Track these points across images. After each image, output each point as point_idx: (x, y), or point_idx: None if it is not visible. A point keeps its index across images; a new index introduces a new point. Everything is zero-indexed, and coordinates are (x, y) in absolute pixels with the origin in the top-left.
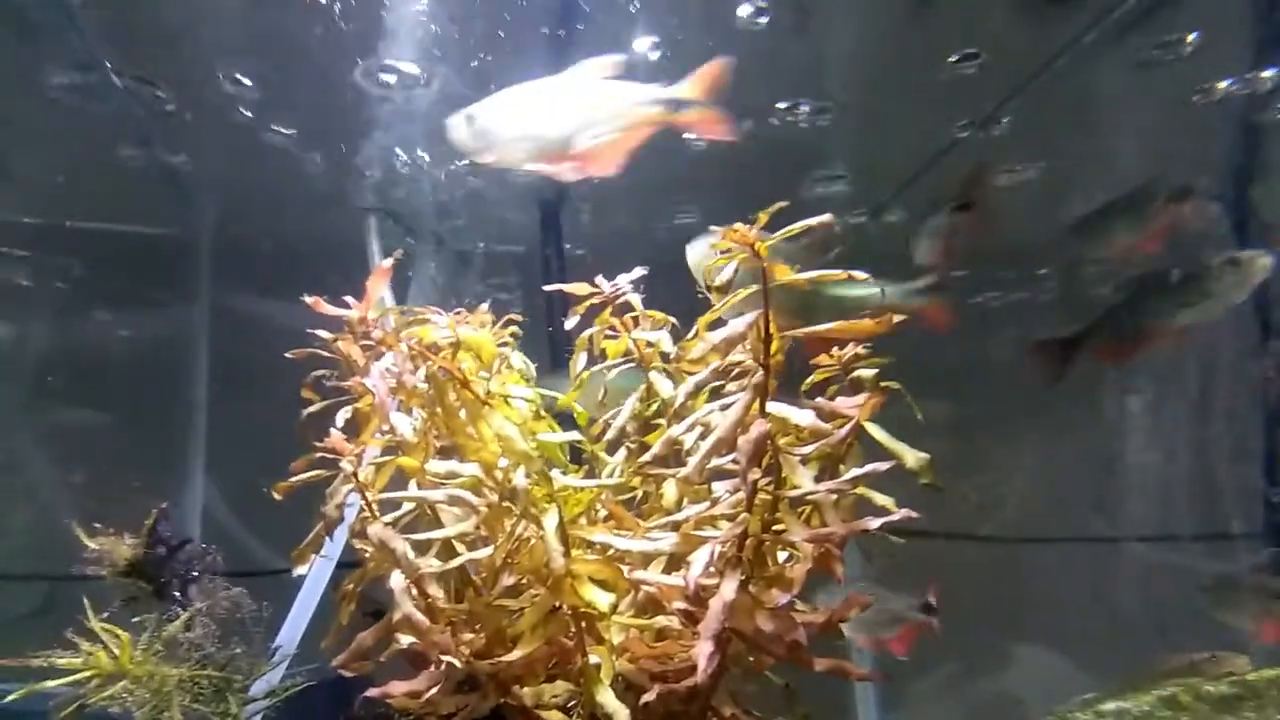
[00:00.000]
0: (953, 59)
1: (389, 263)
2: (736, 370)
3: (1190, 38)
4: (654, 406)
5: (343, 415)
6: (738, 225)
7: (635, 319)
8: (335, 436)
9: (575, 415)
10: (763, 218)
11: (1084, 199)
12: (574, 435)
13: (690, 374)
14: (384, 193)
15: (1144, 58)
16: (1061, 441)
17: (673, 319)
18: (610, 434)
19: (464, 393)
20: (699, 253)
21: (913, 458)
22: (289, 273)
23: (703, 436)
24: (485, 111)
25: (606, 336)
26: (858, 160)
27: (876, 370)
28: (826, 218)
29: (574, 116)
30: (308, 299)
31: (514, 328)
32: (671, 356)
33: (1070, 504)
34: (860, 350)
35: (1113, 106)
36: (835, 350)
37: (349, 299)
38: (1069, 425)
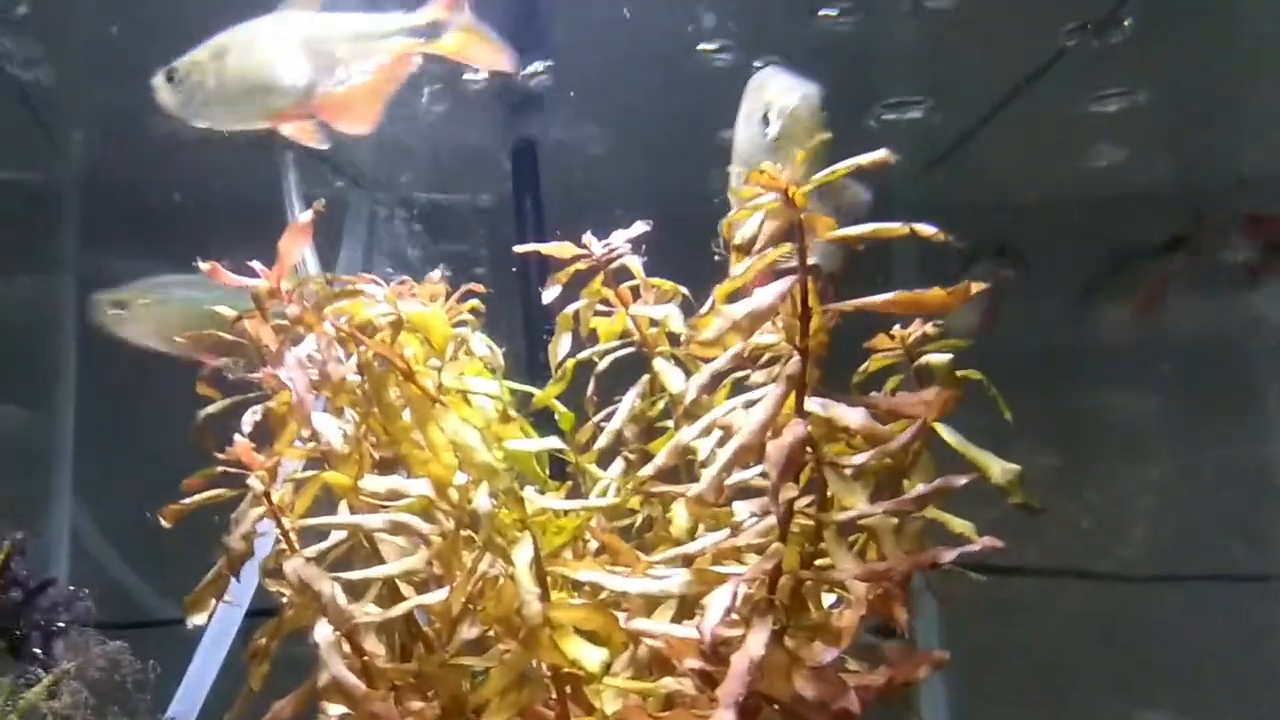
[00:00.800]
0: None
1: (309, 216)
2: (765, 356)
3: None
4: (660, 404)
5: (251, 417)
6: (765, 165)
7: (635, 289)
8: (241, 445)
9: (557, 416)
10: (800, 156)
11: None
12: (554, 443)
13: (705, 361)
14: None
15: None
16: (1200, 453)
17: (684, 289)
18: (603, 440)
19: (409, 387)
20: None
21: (999, 470)
22: (183, 230)
23: (722, 443)
24: (194, 65)
25: (597, 312)
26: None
27: (951, 356)
28: (882, 154)
29: (306, 60)
30: (202, 265)
31: (475, 301)
32: (681, 338)
33: (1211, 533)
34: (929, 330)
35: None
36: (897, 329)
37: (257, 265)
38: (1210, 433)
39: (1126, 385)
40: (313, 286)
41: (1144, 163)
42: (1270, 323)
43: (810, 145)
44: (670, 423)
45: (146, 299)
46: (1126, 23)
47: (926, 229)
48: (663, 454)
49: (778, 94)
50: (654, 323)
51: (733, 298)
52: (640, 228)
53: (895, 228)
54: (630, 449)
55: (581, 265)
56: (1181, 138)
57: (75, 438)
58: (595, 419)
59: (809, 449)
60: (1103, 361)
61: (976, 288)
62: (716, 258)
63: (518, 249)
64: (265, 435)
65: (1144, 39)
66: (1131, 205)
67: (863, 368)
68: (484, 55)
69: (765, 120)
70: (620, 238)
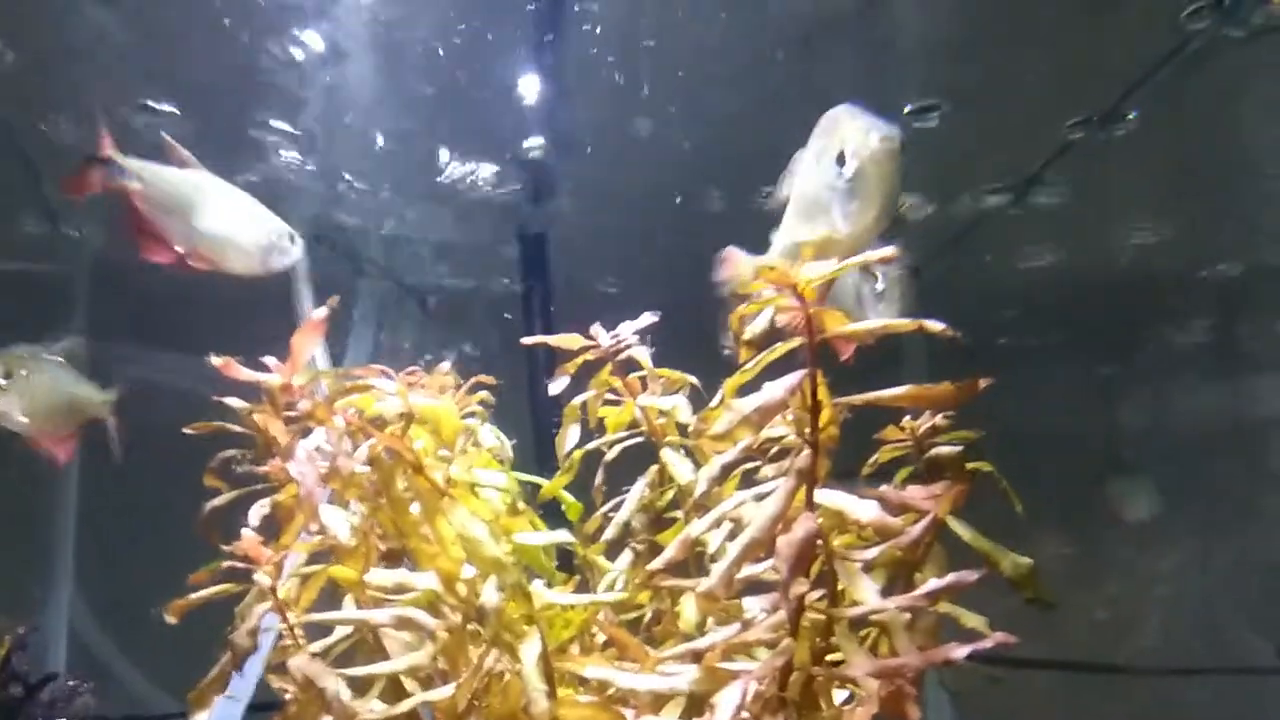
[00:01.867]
0: None
1: (323, 312)
2: (775, 448)
3: None
4: (668, 494)
5: (259, 510)
6: (774, 260)
7: (643, 380)
8: (248, 538)
9: (564, 507)
10: (808, 250)
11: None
12: (563, 535)
13: (714, 453)
14: (321, 216)
15: None
16: (1214, 543)
17: (693, 379)
18: (610, 532)
19: (417, 480)
20: None
21: (1011, 563)
22: (193, 318)
23: (732, 536)
24: None
25: (605, 402)
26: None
27: (962, 448)
28: (889, 250)
29: None
30: (215, 359)
31: (484, 393)
32: (690, 430)
33: (1227, 624)
34: (940, 421)
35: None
36: (908, 421)
37: (269, 360)
38: (1223, 522)
39: (1141, 473)
40: (324, 381)
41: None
42: None
43: (887, 189)
44: (679, 513)
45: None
46: (1130, 115)
47: (934, 325)
48: (672, 547)
49: (855, 133)
50: (662, 413)
51: (742, 391)
52: (648, 319)
53: (904, 323)
54: (638, 540)
55: (589, 356)
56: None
57: (76, 530)
58: (603, 509)
59: (820, 543)
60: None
61: (984, 382)
62: (726, 351)
63: (525, 341)
64: (272, 528)
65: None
66: (1151, 289)
67: (873, 458)
68: None
69: (840, 160)
70: (628, 329)
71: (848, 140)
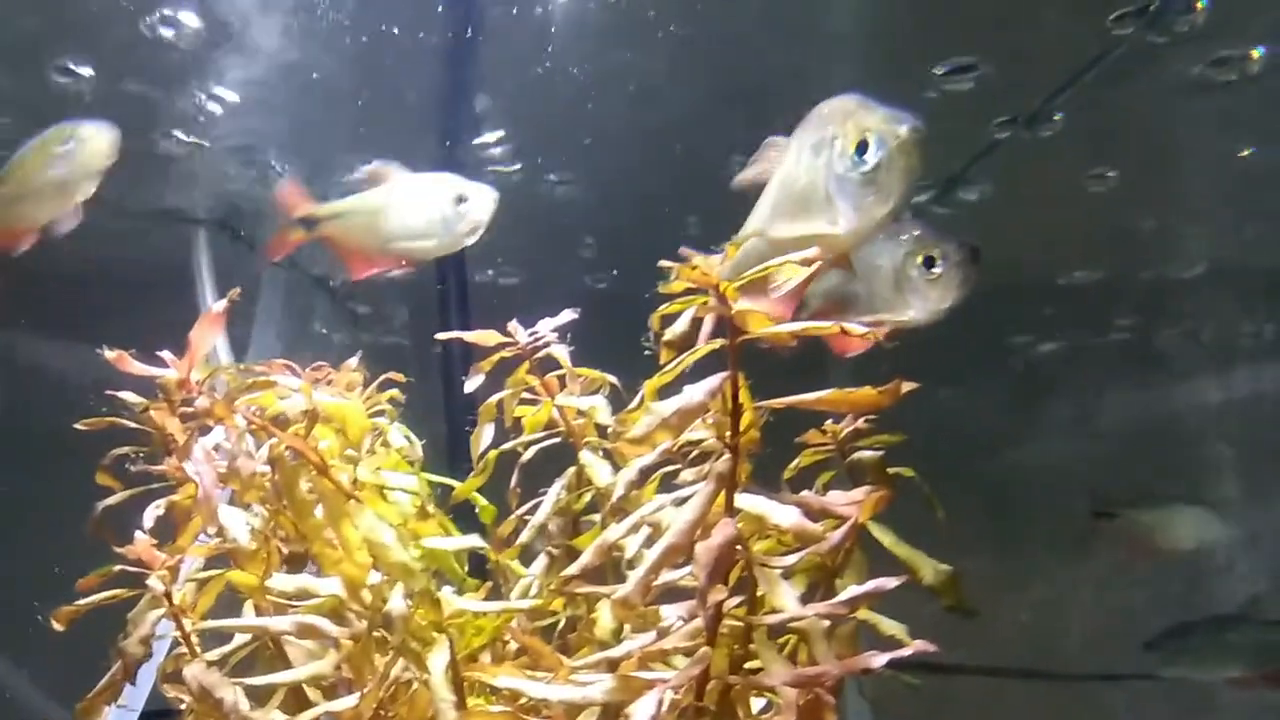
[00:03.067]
0: None
1: (222, 305)
2: (695, 451)
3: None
4: (586, 497)
5: (153, 511)
6: (695, 258)
7: (561, 379)
8: (142, 542)
9: (478, 510)
10: (731, 250)
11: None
12: (474, 540)
13: (633, 457)
14: (222, 199)
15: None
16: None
17: (612, 378)
18: (525, 535)
19: (322, 482)
20: None
21: (931, 570)
22: (88, 305)
23: (650, 542)
24: None
25: (522, 401)
26: None
27: (882, 453)
28: (814, 252)
29: None
30: (108, 353)
31: (394, 391)
32: (609, 431)
33: (1149, 631)
34: (862, 425)
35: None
36: (830, 424)
37: (166, 354)
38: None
39: (1064, 473)
40: (224, 377)
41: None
42: (1215, 407)
43: (910, 182)
44: (596, 516)
45: None
46: (1057, 116)
47: (856, 329)
48: (588, 553)
49: (881, 122)
50: (580, 413)
51: (662, 393)
52: (567, 315)
53: (827, 326)
54: (554, 543)
55: (507, 353)
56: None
57: None
58: (518, 512)
59: (739, 549)
60: (1042, 450)
61: (907, 386)
62: (647, 351)
63: (439, 336)
64: (168, 530)
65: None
66: (1085, 294)
67: (794, 463)
68: None
69: (861, 149)
70: (546, 325)
71: (872, 128)
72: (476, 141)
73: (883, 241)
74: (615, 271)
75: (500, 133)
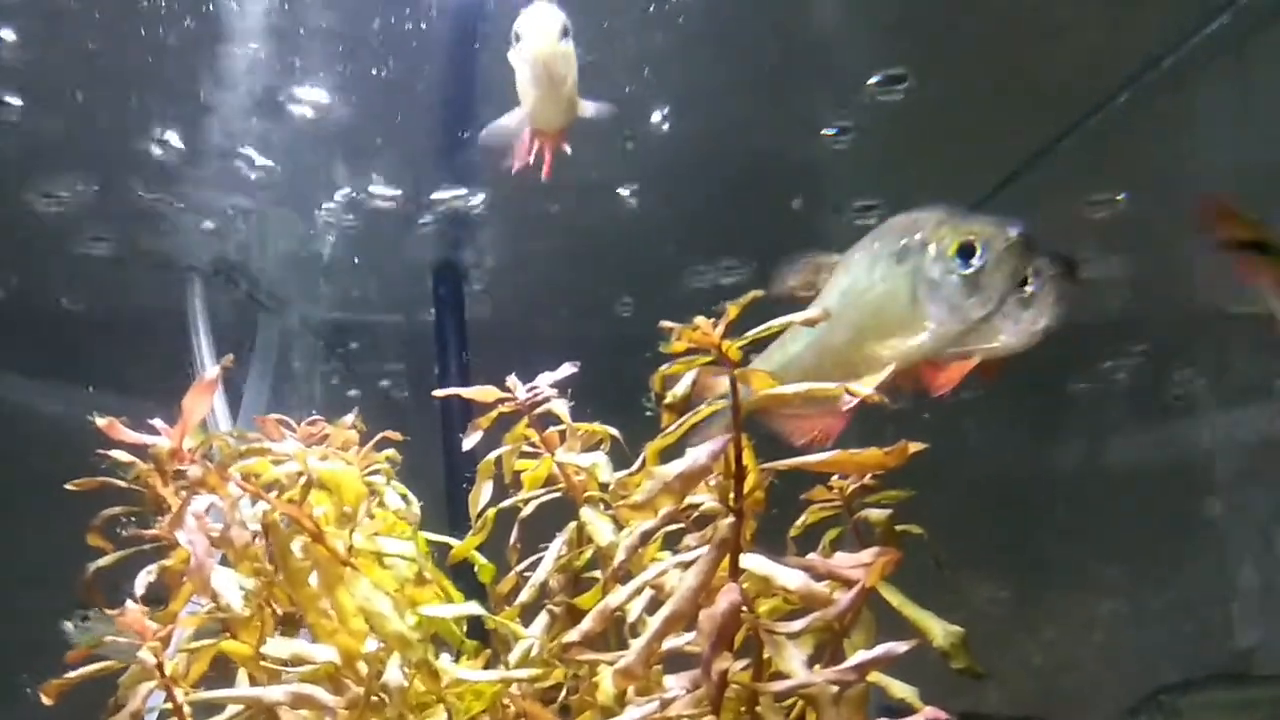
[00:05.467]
0: None
1: (216, 371)
2: (698, 513)
3: None
4: (587, 553)
5: (145, 578)
6: (699, 321)
7: (561, 434)
8: (133, 611)
9: (477, 569)
10: (733, 310)
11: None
12: (473, 608)
13: (636, 521)
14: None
15: None
16: (1151, 586)
17: (614, 431)
18: (526, 594)
19: (316, 549)
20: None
21: (942, 632)
22: (81, 350)
23: (653, 607)
24: None
25: (522, 454)
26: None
27: (891, 511)
28: (816, 312)
29: None
30: (99, 420)
31: (391, 451)
32: (610, 488)
33: (1163, 670)
34: (869, 480)
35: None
36: (835, 481)
37: (158, 423)
38: (1162, 563)
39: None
40: (217, 444)
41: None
42: (1224, 450)
43: (1010, 287)
44: (598, 573)
45: None
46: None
47: (862, 390)
48: (590, 618)
49: (987, 226)
50: (581, 470)
51: (664, 455)
52: (567, 370)
53: (832, 389)
54: (555, 601)
55: (504, 409)
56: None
57: None
58: (518, 568)
59: (745, 610)
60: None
61: (914, 447)
62: (648, 412)
63: (437, 393)
64: (161, 591)
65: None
66: (1094, 333)
67: (801, 520)
68: None
69: (964, 252)
70: (546, 380)
71: (977, 233)
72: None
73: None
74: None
75: None
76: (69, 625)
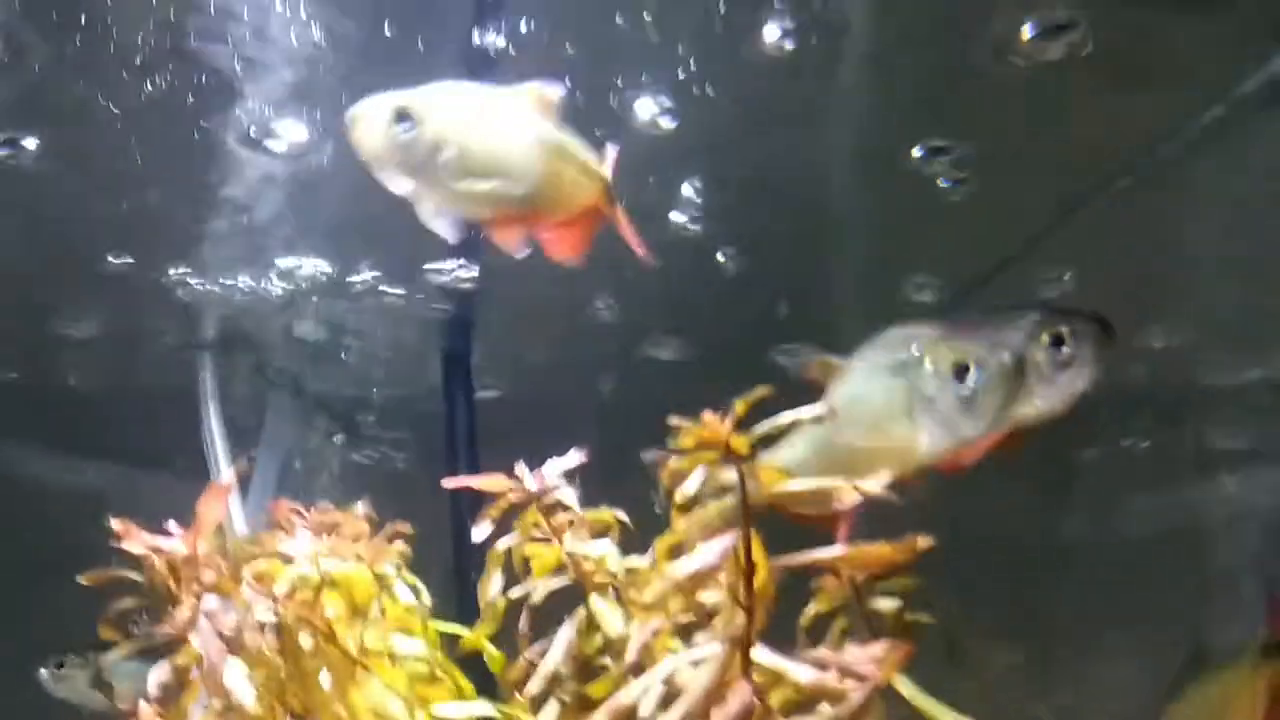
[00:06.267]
0: None
1: (231, 474)
2: (709, 607)
3: None
4: (597, 639)
5: (157, 675)
6: (706, 416)
7: (570, 522)
8: (145, 713)
9: (486, 658)
10: (741, 407)
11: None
12: (484, 709)
13: (645, 616)
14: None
15: None
16: (1169, 650)
17: (623, 516)
18: (535, 685)
19: (329, 649)
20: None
21: None
22: (92, 426)
23: (665, 704)
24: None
25: (533, 539)
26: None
27: (901, 602)
28: (822, 409)
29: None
30: (114, 523)
31: (402, 546)
32: (619, 576)
33: None
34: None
35: None
36: (845, 571)
37: (173, 526)
38: (1180, 628)
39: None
40: (231, 547)
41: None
42: (1242, 513)
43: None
44: (609, 660)
45: None
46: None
47: (873, 487)
48: (601, 714)
49: (981, 349)
50: (589, 558)
51: (674, 551)
52: (575, 457)
53: (844, 486)
54: (566, 690)
55: (513, 498)
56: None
57: None
58: (528, 655)
59: (758, 701)
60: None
61: (923, 543)
62: (657, 509)
63: (447, 483)
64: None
65: None
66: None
67: (810, 609)
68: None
69: (959, 373)
70: (554, 468)
71: (971, 354)
72: None
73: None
74: None
75: None
76: (44, 672)
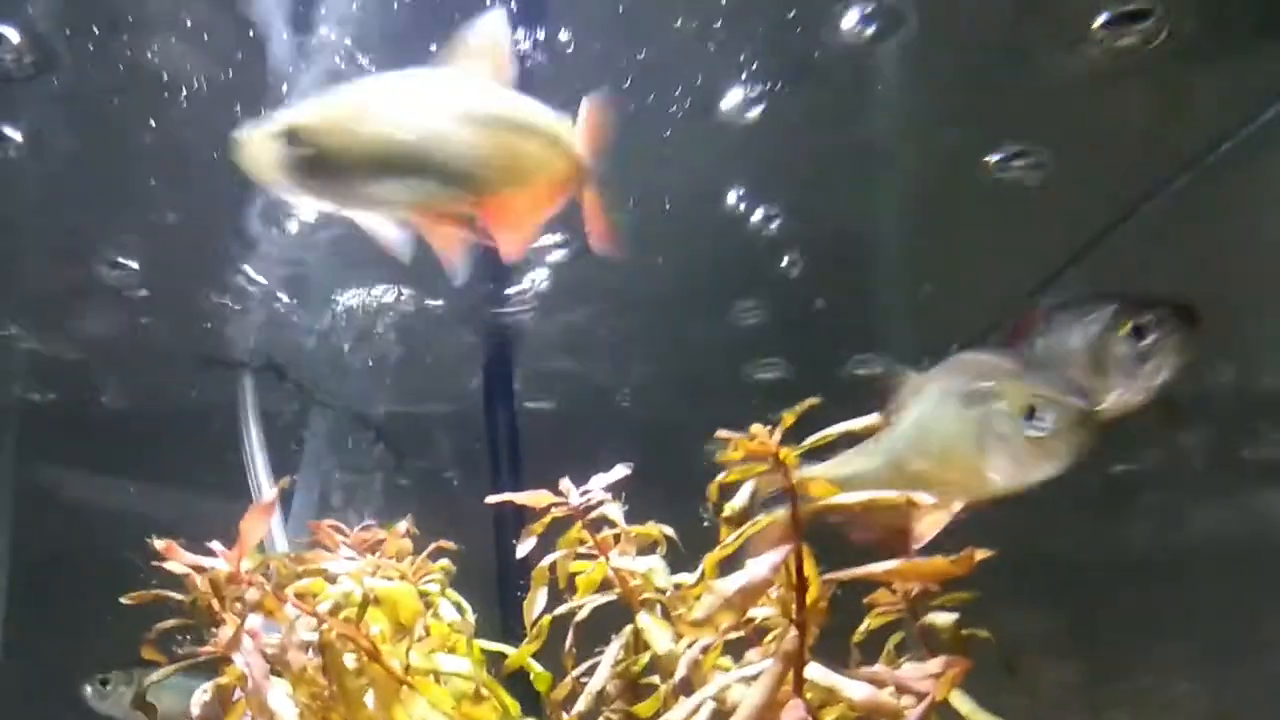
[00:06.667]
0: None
1: (274, 493)
2: (760, 623)
3: None
4: (644, 658)
5: (200, 698)
6: (755, 428)
7: (616, 537)
8: None
9: (532, 677)
10: (788, 419)
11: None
12: None
13: (694, 632)
14: (268, 342)
15: None
16: (1235, 654)
17: (669, 531)
18: (583, 703)
19: (373, 668)
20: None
21: None
22: (135, 445)
23: (717, 719)
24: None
25: (578, 556)
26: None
27: (957, 616)
28: (873, 420)
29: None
30: (157, 542)
31: (445, 562)
32: (667, 592)
33: None
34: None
35: None
36: (899, 585)
37: (216, 545)
38: (1242, 639)
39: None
40: (274, 565)
41: None
42: None
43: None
44: (655, 678)
45: None
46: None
47: (923, 498)
48: None
49: (1056, 394)
50: (636, 575)
51: (723, 567)
52: (620, 471)
53: (892, 496)
54: (613, 709)
55: (557, 514)
56: None
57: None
58: (574, 674)
59: (812, 719)
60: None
61: (981, 554)
62: (705, 523)
63: (490, 500)
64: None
65: None
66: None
67: (863, 625)
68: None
69: (1029, 416)
70: (599, 483)
71: (1045, 398)
72: None
73: (1069, 323)
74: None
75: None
76: (88, 689)
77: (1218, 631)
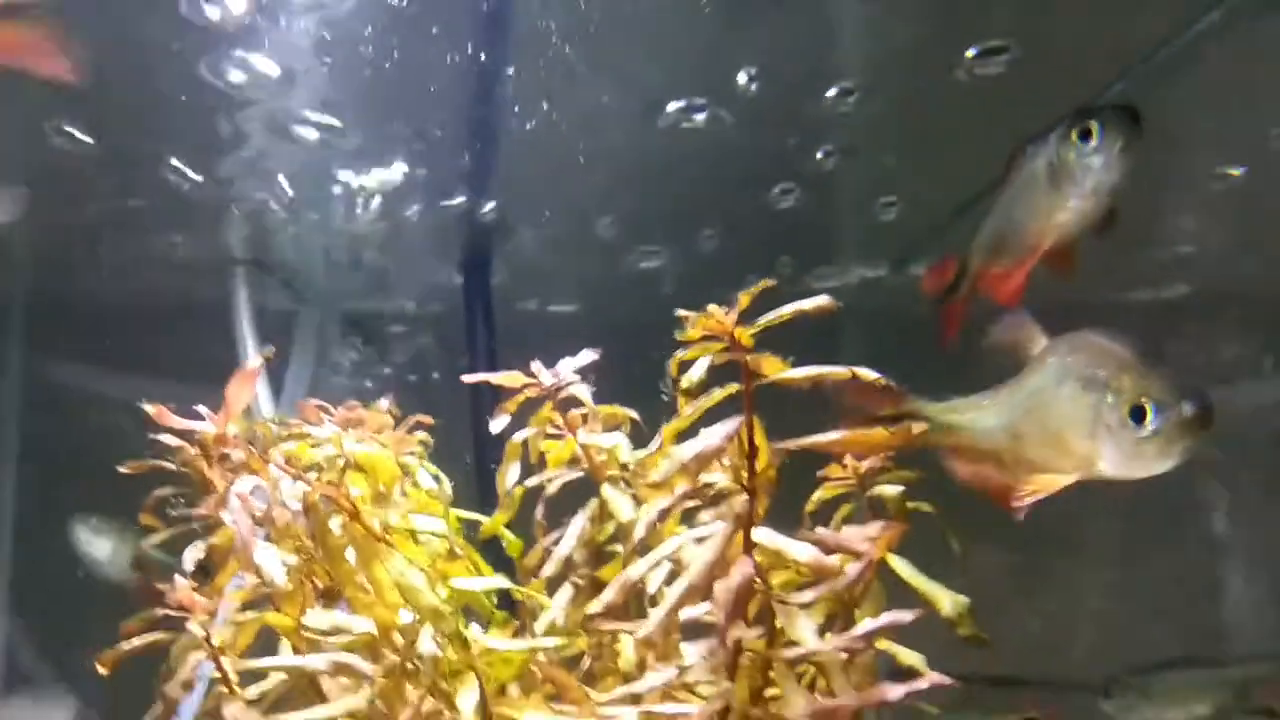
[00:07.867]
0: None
1: (258, 362)
2: (714, 491)
3: None
4: (609, 528)
5: (192, 553)
6: (711, 308)
7: (584, 416)
8: (182, 586)
9: (505, 543)
10: (744, 299)
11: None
12: (501, 582)
13: (654, 499)
14: (258, 240)
15: None
16: (1150, 555)
17: (633, 413)
18: (551, 568)
19: (353, 527)
20: None
21: (949, 602)
22: (136, 338)
23: (671, 579)
24: None
25: (547, 435)
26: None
27: (903, 488)
28: (824, 301)
29: None
30: (148, 407)
31: (423, 434)
32: (630, 467)
33: (1158, 642)
34: (882, 462)
35: None
36: (849, 460)
37: (203, 409)
38: (1162, 532)
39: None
40: (259, 429)
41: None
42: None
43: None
44: (619, 546)
45: None
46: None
47: (868, 374)
48: (611, 590)
49: (1166, 393)
50: (602, 450)
51: (680, 437)
52: (588, 356)
53: (838, 371)
54: (579, 574)
55: (529, 394)
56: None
57: (12, 553)
58: (544, 542)
59: (758, 580)
60: None
61: (918, 429)
62: (665, 397)
63: (466, 378)
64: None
65: None
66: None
67: (815, 495)
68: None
69: (1137, 414)
70: (568, 366)
71: (1154, 397)
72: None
73: (1036, 148)
74: None
75: None
76: (79, 528)
77: (1135, 526)
